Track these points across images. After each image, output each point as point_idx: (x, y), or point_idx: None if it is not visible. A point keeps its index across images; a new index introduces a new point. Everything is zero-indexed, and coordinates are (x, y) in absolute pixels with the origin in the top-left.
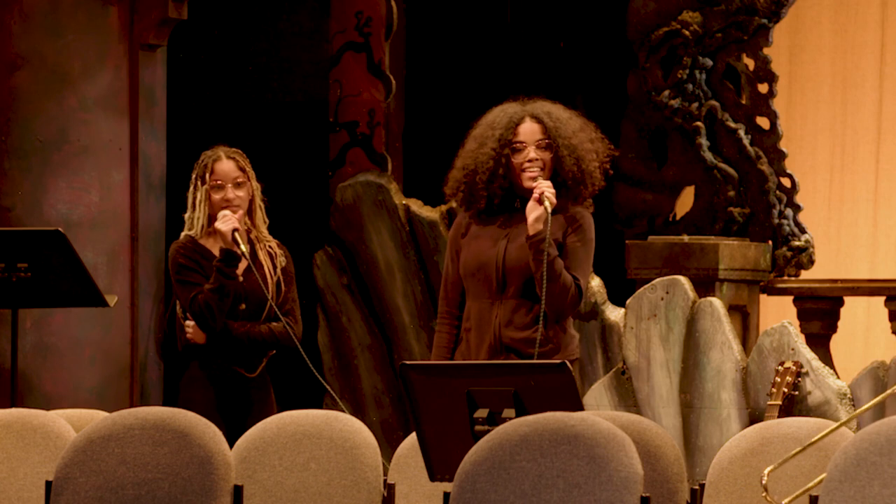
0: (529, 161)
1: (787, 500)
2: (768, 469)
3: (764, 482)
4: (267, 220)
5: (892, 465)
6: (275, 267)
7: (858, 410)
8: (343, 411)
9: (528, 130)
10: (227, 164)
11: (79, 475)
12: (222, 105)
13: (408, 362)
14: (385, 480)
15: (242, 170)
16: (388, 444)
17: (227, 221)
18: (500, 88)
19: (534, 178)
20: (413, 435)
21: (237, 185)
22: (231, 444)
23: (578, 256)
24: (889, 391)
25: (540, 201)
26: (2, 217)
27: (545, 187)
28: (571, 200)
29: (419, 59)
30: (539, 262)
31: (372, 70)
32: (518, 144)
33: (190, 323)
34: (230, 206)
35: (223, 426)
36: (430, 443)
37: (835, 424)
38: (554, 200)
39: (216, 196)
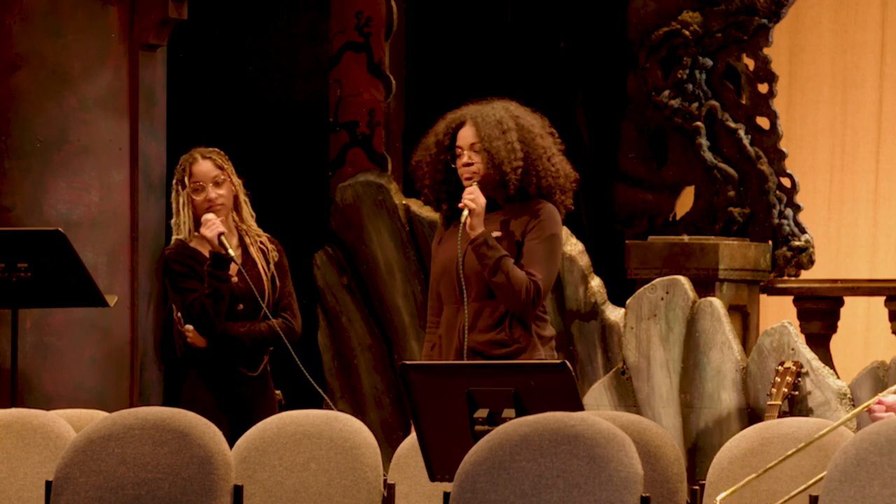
0: (464, 165)
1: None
2: (721, 496)
3: None
4: (254, 214)
5: (892, 465)
6: (268, 262)
7: (850, 414)
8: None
9: (464, 135)
10: (203, 164)
11: (79, 475)
12: (222, 105)
13: (408, 362)
14: (385, 480)
15: (220, 168)
16: (388, 444)
17: (211, 227)
18: (500, 88)
19: (469, 182)
20: (413, 435)
21: (217, 185)
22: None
23: (535, 253)
24: (888, 390)
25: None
26: (2, 217)
27: (466, 194)
28: (519, 199)
29: (419, 59)
30: (483, 264)
31: (372, 70)
32: (457, 150)
33: (189, 327)
34: (213, 205)
35: (227, 425)
36: (430, 443)
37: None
38: (473, 206)
39: (198, 198)
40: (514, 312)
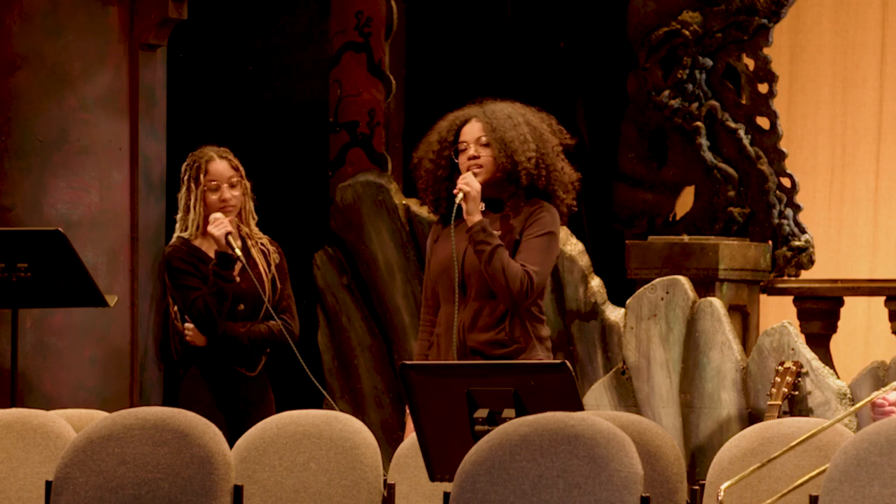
0: (470, 159)
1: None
2: (725, 485)
3: (720, 498)
4: (256, 217)
5: (892, 465)
6: (269, 264)
7: (850, 410)
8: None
9: (470, 130)
10: (220, 164)
11: (79, 475)
12: (222, 105)
13: (408, 362)
14: (385, 480)
15: (236, 169)
16: (388, 444)
17: (219, 226)
18: (500, 88)
19: (475, 176)
20: (413, 435)
21: (232, 186)
22: (233, 444)
23: (532, 247)
24: (887, 387)
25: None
26: (2, 217)
27: (460, 179)
28: (524, 198)
29: (419, 59)
30: (478, 251)
31: (372, 70)
32: (462, 145)
33: (189, 326)
34: (227, 205)
35: (225, 425)
36: (430, 443)
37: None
38: (467, 189)
39: (212, 197)
40: (508, 304)
